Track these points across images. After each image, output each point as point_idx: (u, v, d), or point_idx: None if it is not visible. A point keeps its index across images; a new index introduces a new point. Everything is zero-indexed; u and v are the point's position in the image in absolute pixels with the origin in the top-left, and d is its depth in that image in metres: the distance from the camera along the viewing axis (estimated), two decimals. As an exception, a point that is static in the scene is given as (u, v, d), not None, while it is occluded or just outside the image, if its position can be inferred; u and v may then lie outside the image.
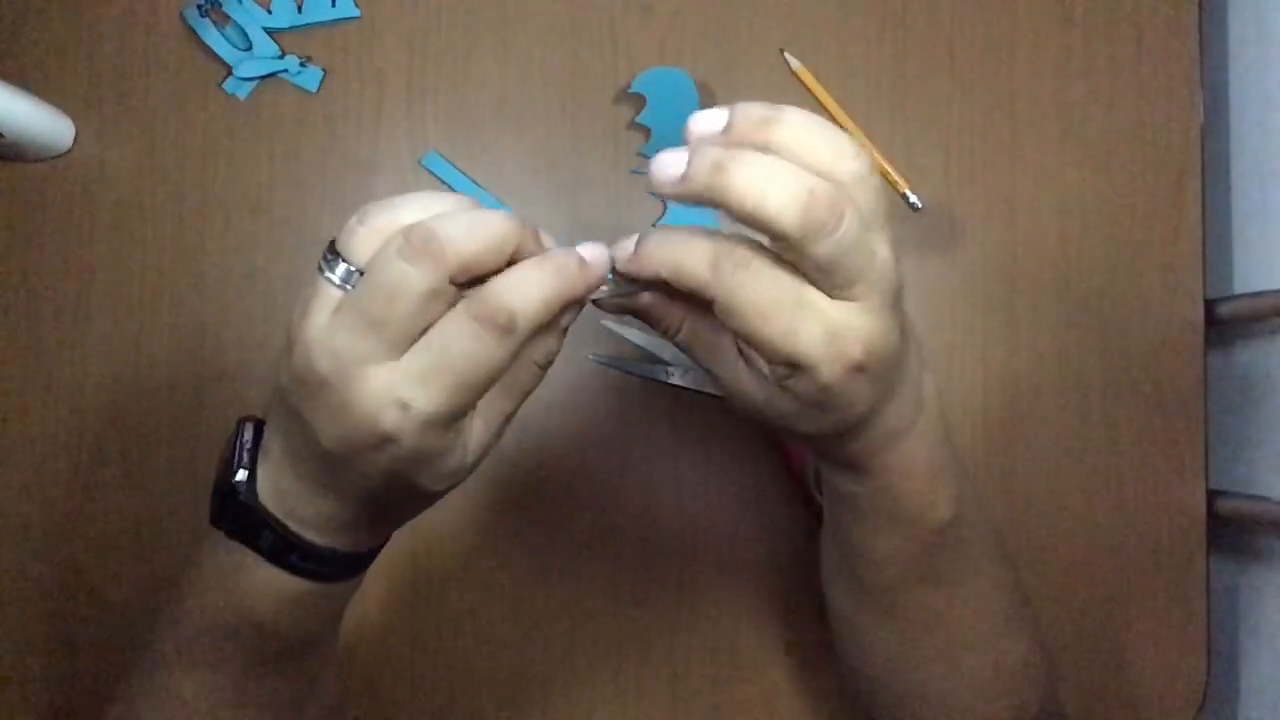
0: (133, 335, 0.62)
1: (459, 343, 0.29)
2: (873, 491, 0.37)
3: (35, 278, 0.62)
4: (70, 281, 0.62)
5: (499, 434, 0.34)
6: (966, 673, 0.43)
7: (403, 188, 0.62)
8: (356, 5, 0.64)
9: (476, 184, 0.63)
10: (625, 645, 0.61)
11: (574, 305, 0.33)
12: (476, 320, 0.29)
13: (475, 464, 0.34)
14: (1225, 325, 0.64)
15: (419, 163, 0.63)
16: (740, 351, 0.34)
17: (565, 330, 0.34)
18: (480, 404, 0.32)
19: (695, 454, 0.62)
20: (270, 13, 0.63)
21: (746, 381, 0.34)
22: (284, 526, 0.34)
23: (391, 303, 0.29)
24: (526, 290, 0.30)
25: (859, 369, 0.31)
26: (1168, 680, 0.61)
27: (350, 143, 0.63)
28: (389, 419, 0.29)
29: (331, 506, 0.34)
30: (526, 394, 0.34)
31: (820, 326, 0.30)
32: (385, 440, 0.30)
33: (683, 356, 0.61)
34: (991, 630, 0.44)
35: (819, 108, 0.63)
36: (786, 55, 0.64)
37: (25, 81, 0.61)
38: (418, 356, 0.29)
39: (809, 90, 0.63)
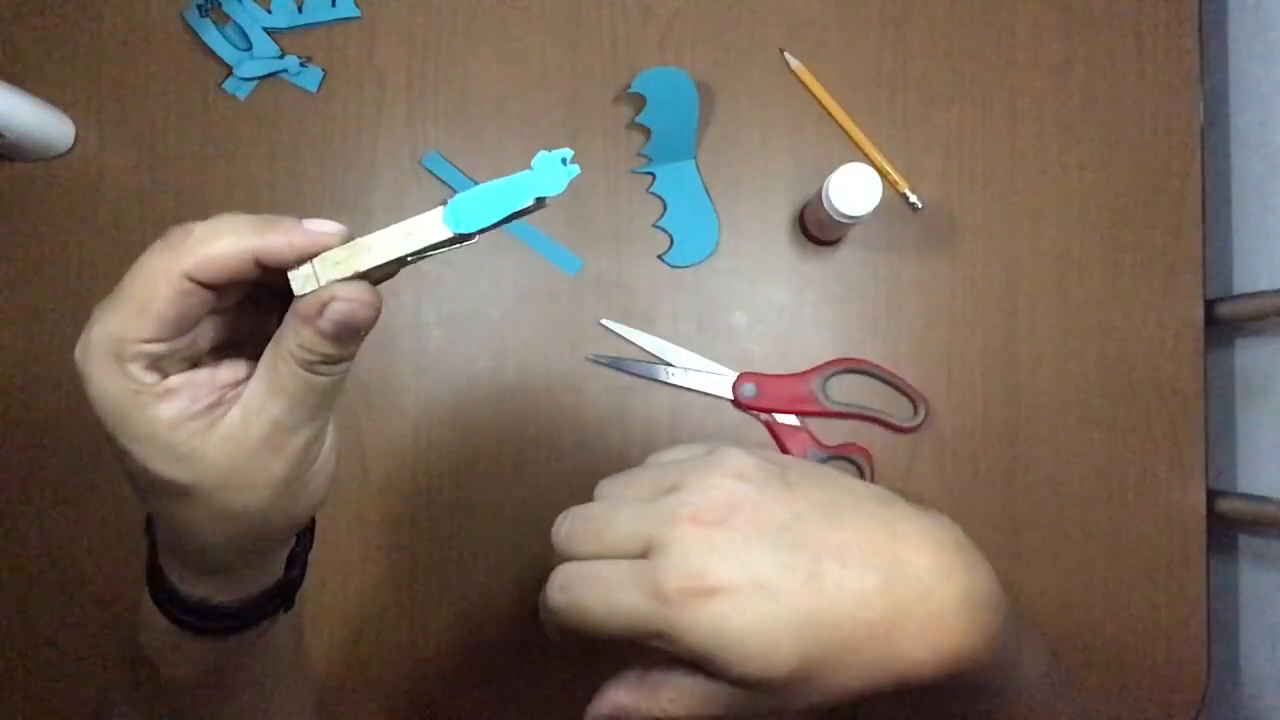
0: (133, 335, 0.62)
1: (139, 260, 0.29)
2: None
3: (35, 277, 0.62)
4: (70, 280, 0.62)
5: (267, 442, 0.29)
6: None
7: (403, 187, 0.63)
8: (356, 5, 0.64)
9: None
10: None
11: (274, 262, 0.29)
12: (161, 238, 0.29)
13: (223, 459, 0.29)
14: (1225, 325, 0.64)
15: (419, 163, 0.63)
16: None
17: (327, 335, 0.28)
18: (246, 398, 0.29)
19: (695, 454, 0.62)
20: (270, 13, 0.63)
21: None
22: (151, 539, 0.33)
23: (133, 274, 0.30)
24: (218, 222, 0.29)
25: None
26: (1168, 679, 0.61)
27: (350, 143, 0.63)
28: (78, 349, 0.29)
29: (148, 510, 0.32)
30: (292, 397, 0.29)
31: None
32: (79, 374, 0.29)
33: (684, 356, 0.61)
34: None
35: (819, 107, 0.64)
36: (786, 55, 0.64)
37: (25, 81, 0.61)
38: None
39: (809, 90, 0.63)
